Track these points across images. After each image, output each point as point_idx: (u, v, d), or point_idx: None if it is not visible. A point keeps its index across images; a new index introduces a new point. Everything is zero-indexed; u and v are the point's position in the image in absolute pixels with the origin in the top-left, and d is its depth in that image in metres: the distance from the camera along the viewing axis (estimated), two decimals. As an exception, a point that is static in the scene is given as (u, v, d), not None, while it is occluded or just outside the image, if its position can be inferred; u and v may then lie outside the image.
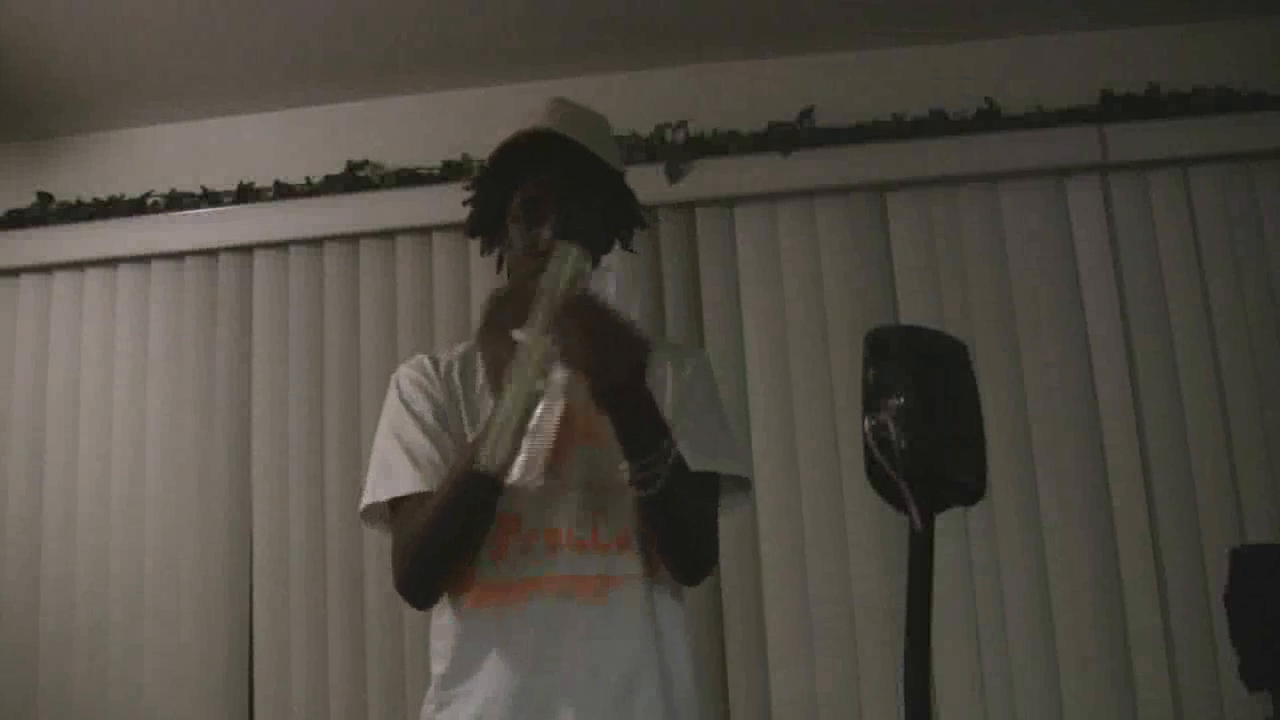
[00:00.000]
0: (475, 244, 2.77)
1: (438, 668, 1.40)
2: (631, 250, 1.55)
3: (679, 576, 1.42)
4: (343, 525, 2.71)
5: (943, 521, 0.94)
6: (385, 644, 2.65)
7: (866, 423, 0.99)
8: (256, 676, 2.70)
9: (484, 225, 1.52)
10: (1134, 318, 2.66)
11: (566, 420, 1.32)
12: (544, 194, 1.41)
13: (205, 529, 2.76)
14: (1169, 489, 2.57)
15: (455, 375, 1.47)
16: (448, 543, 1.34)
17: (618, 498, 1.35)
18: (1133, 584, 2.54)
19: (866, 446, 0.99)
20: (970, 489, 0.98)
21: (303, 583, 2.70)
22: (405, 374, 1.48)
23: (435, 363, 1.49)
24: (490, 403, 1.40)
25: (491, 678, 1.33)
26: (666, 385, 1.41)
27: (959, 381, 1.03)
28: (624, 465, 1.27)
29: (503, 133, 1.43)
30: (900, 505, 0.96)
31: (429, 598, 1.40)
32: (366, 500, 1.42)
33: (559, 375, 1.21)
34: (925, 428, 0.96)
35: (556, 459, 1.29)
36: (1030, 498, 2.59)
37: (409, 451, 1.39)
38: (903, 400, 0.97)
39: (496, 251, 1.54)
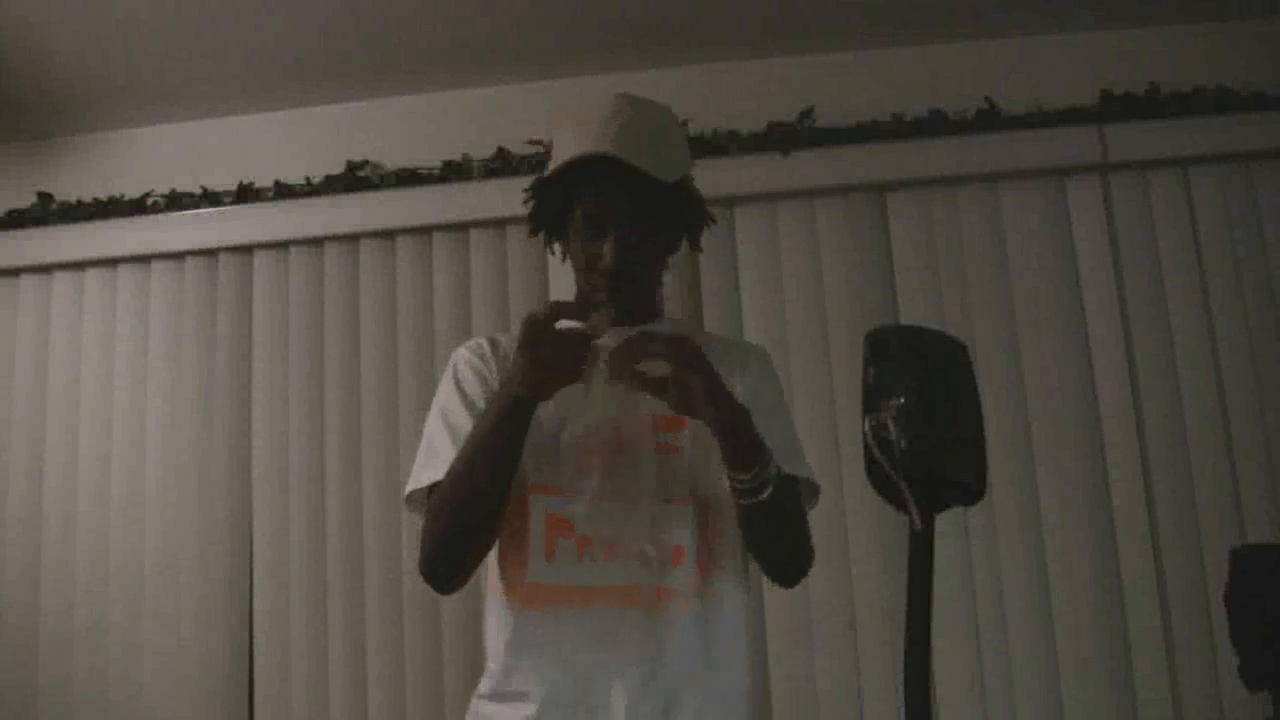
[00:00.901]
0: (475, 243, 2.83)
1: (492, 663, 1.39)
2: (699, 249, 1.55)
3: (779, 580, 1.42)
4: (343, 525, 2.71)
5: (943, 521, 0.94)
6: (385, 644, 2.65)
7: (866, 423, 0.99)
8: (256, 676, 2.70)
9: (545, 226, 1.52)
10: (1134, 318, 2.66)
11: (629, 426, 1.37)
12: (602, 213, 1.40)
13: (205, 529, 2.76)
14: (1169, 489, 2.57)
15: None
16: (476, 492, 1.32)
17: (678, 509, 1.37)
18: (1133, 584, 2.54)
19: (866, 446, 0.98)
20: (970, 489, 0.98)
21: (303, 583, 2.70)
22: (463, 356, 1.48)
23: (494, 344, 1.49)
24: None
25: (544, 682, 1.33)
26: (734, 387, 1.38)
27: (959, 381, 1.03)
28: (731, 476, 1.27)
29: (562, 135, 1.43)
30: (900, 505, 0.96)
31: (453, 572, 1.38)
32: (411, 486, 1.41)
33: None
34: (925, 428, 0.96)
35: (610, 467, 1.34)
36: (1030, 498, 2.59)
37: (454, 435, 1.38)
38: (903, 400, 0.97)
39: (559, 246, 1.55)
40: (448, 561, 1.37)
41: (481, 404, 1.39)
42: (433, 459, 1.38)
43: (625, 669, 1.31)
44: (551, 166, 1.43)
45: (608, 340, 1.24)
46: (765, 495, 1.26)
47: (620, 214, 1.40)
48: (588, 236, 1.42)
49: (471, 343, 1.51)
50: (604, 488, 1.37)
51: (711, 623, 1.37)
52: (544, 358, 1.23)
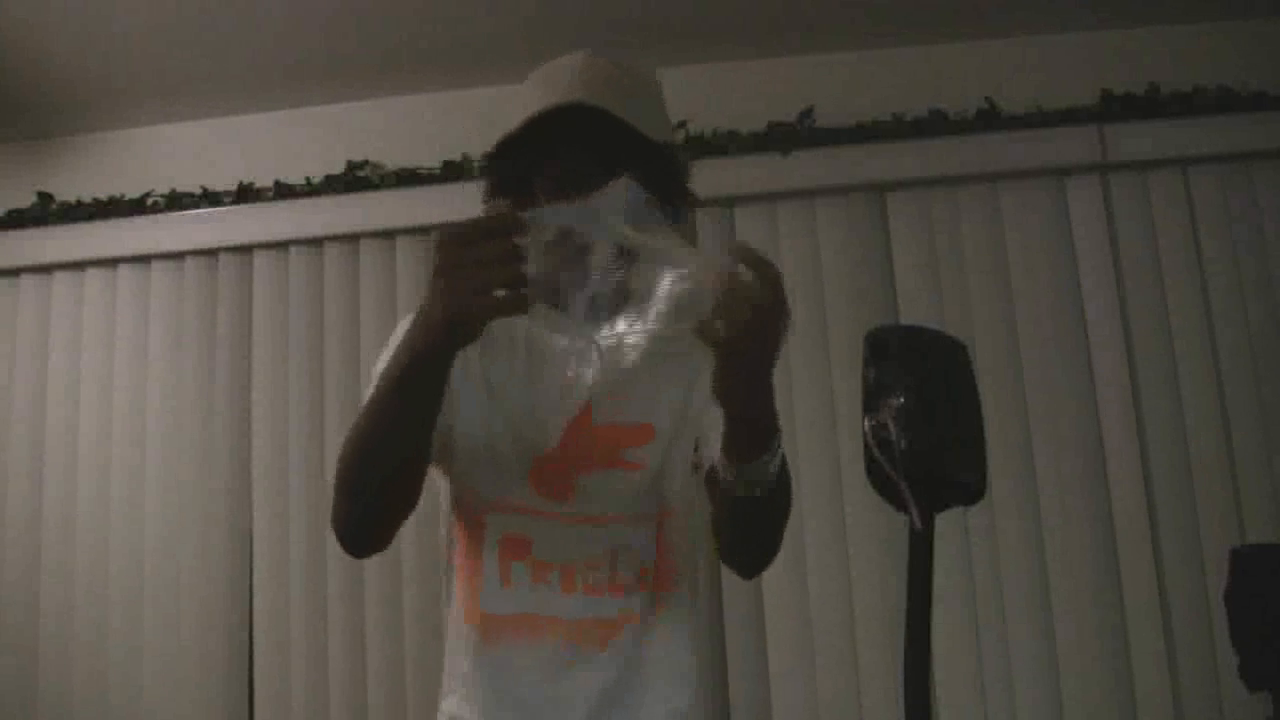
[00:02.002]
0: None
1: (453, 682, 1.31)
2: (682, 223, 1.29)
3: (743, 571, 1.31)
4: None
5: (943, 521, 0.94)
6: (385, 644, 2.65)
7: (866, 423, 0.99)
8: (256, 676, 2.70)
9: (507, 194, 1.30)
10: (1134, 318, 2.66)
11: (586, 440, 1.23)
12: (570, 177, 1.20)
13: (205, 529, 2.76)
14: (1169, 489, 2.57)
15: None
16: (373, 459, 1.15)
17: (642, 529, 1.27)
18: (1133, 584, 2.54)
19: (866, 446, 0.98)
20: (970, 489, 0.98)
21: (303, 583, 2.70)
22: (403, 324, 1.30)
23: None
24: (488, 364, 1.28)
25: (500, 714, 1.26)
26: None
27: (959, 381, 1.03)
28: (727, 465, 1.08)
29: (526, 94, 1.25)
30: (900, 505, 0.96)
31: (360, 540, 1.22)
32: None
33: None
34: (925, 428, 0.96)
35: (570, 485, 1.22)
36: (1030, 498, 2.59)
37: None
38: (903, 400, 0.97)
39: None
40: (351, 528, 1.21)
41: None
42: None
43: (575, 707, 1.24)
44: (513, 125, 1.23)
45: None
46: (763, 490, 1.08)
47: (594, 173, 1.16)
48: (556, 199, 1.19)
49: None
50: (564, 506, 1.25)
51: (664, 645, 1.29)
52: (461, 283, 0.98)
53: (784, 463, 1.11)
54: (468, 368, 1.28)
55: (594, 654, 1.26)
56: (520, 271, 0.97)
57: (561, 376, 1.26)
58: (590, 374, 1.27)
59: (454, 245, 1.01)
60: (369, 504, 1.19)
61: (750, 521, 1.19)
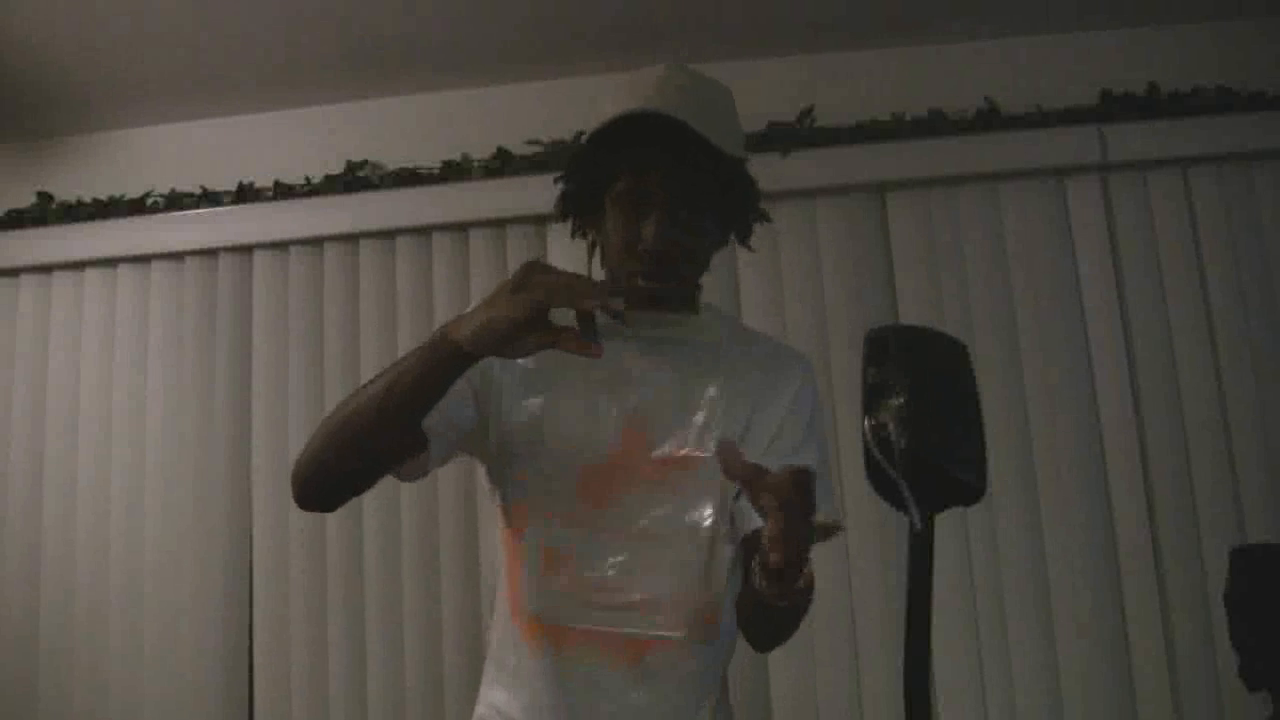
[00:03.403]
0: (475, 243, 2.82)
1: (497, 675, 1.34)
2: (750, 248, 1.36)
3: (758, 648, 1.35)
4: (342, 525, 2.71)
5: (943, 521, 0.94)
6: (385, 644, 2.65)
7: (866, 423, 0.99)
8: (256, 676, 2.70)
9: (578, 206, 1.31)
10: (1134, 318, 2.65)
11: (637, 456, 1.25)
12: (649, 187, 1.22)
13: (205, 529, 2.76)
14: (1169, 489, 2.57)
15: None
16: (368, 425, 1.16)
17: (675, 550, 1.27)
18: (1133, 584, 2.54)
19: (866, 446, 0.98)
20: (971, 488, 0.98)
21: (303, 583, 2.70)
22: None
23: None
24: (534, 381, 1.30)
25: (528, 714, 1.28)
26: (777, 403, 1.30)
27: (959, 381, 1.03)
28: (760, 572, 1.06)
29: (609, 102, 1.23)
30: (900, 505, 0.95)
31: (319, 496, 1.25)
32: None
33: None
34: (925, 428, 0.96)
35: (618, 498, 1.24)
36: (1030, 498, 2.59)
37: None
38: (903, 400, 0.97)
39: (586, 234, 1.35)
40: (317, 483, 1.24)
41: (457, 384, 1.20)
42: None
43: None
44: (591, 132, 1.24)
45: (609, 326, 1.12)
46: (794, 600, 1.06)
47: (669, 186, 1.22)
48: (627, 214, 1.24)
49: None
50: (605, 523, 1.26)
51: (697, 665, 1.30)
52: (522, 309, 1.06)
53: (811, 574, 1.09)
54: (528, 377, 1.30)
55: (625, 674, 1.26)
56: (567, 331, 1.09)
57: (622, 392, 1.29)
58: (650, 393, 1.29)
59: (536, 271, 1.08)
60: (338, 471, 1.22)
61: (774, 617, 1.22)
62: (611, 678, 1.26)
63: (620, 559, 1.26)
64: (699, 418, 1.30)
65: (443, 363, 1.12)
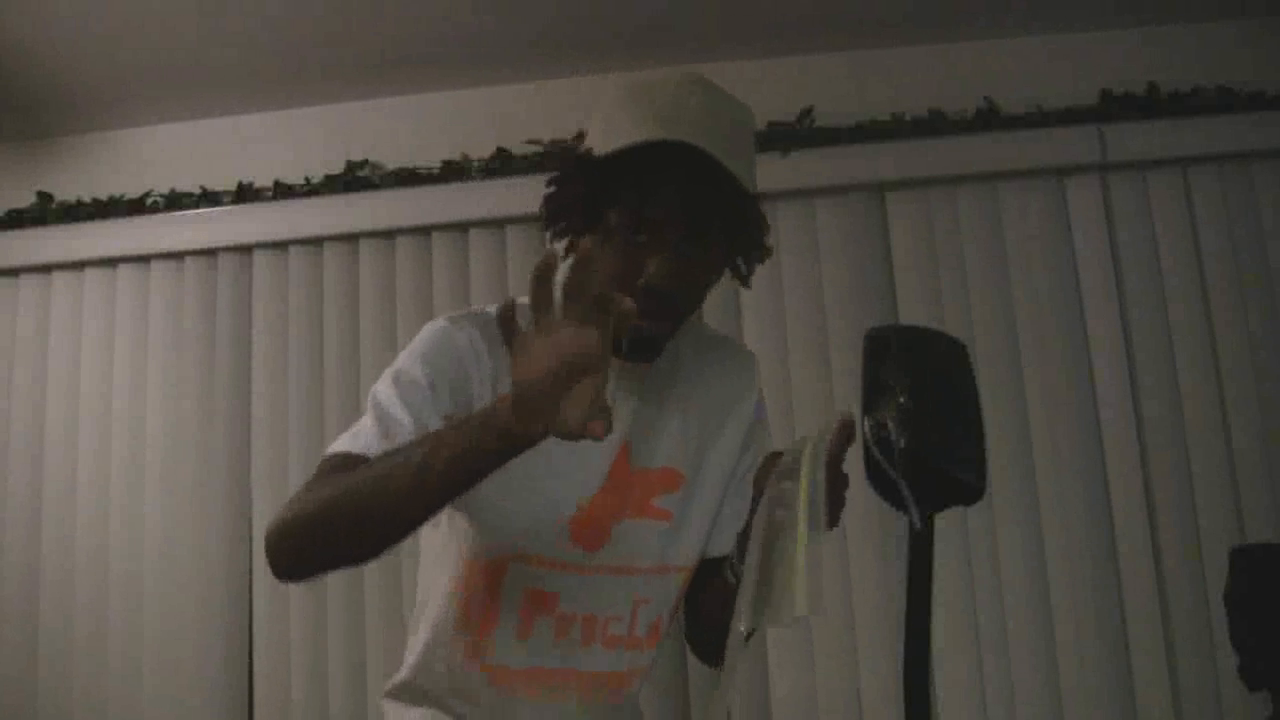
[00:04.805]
0: (475, 243, 2.82)
1: (421, 683, 1.26)
2: (747, 286, 1.30)
3: (708, 660, 1.31)
4: (342, 525, 2.71)
5: (943, 521, 0.94)
6: (385, 643, 2.65)
7: (866, 423, 0.99)
8: (256, 676, 2.70)
9: (570, 216, 1.20)
10: (1134, 318, 2.65)
11: (623, 485, 1.19)
12: (661, 218, 1.12)
13: (205, 528, 2.76)
14: (1169, 489, 2.57)
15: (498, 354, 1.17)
16: (389, 517, 1.03)
17: (669, 579, 1.24)
18: (1133, 584, 2.54)
19: (866, 446, 0.98)
20: (970, 488, 0.98)
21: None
22: (430, 328, 1.21)
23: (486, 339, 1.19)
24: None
25: None
26: (741, 409, 1.26)
27: (959, 381, 1.03)
28: (736, 565, 1.05)
29: (624, 109, 1.13)
30: (900, 505, 0.95)
31: (303, 575, 1.16)
32: (342, 447, 1.16)
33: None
34: (925, 428, 0.96)
35: (606, 532, 1.17)
36: (1030, 498, 2.59)
37: (410, 409, 1.13)
38: (903, 400, 0.97)
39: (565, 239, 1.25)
40: (311, 561, 1.13)
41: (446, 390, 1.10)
42: (387, 426, 1.12)
43: None
44: (604, 145, 1.12)
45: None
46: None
47: (683, 221, 1.12)
48: (629, 243, 1.13)
49: (450, 321, 1.20)
50: (595, 559, 1.20)
51: (641, 699, 1.33)
52: (585, 374, 0.89)
53: None
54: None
55: (603, 709, 1.24)
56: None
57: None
58: (628, 410, 1.22)
59: (596, 306, 0.89)
60: (338, 558, 1.11)
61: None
62: (599, 714, 1.25)
63: (607, 593, 1.22)
64: (675, 434, 1.26)
65: (501, 452, 0.97)
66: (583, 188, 1.16)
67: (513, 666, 1.21)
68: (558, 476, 1.17)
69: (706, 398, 1.30)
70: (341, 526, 1.06)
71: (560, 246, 1.16)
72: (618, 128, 1.12)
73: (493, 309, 1.08)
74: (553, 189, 1.21)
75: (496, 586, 1.20)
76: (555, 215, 1.20)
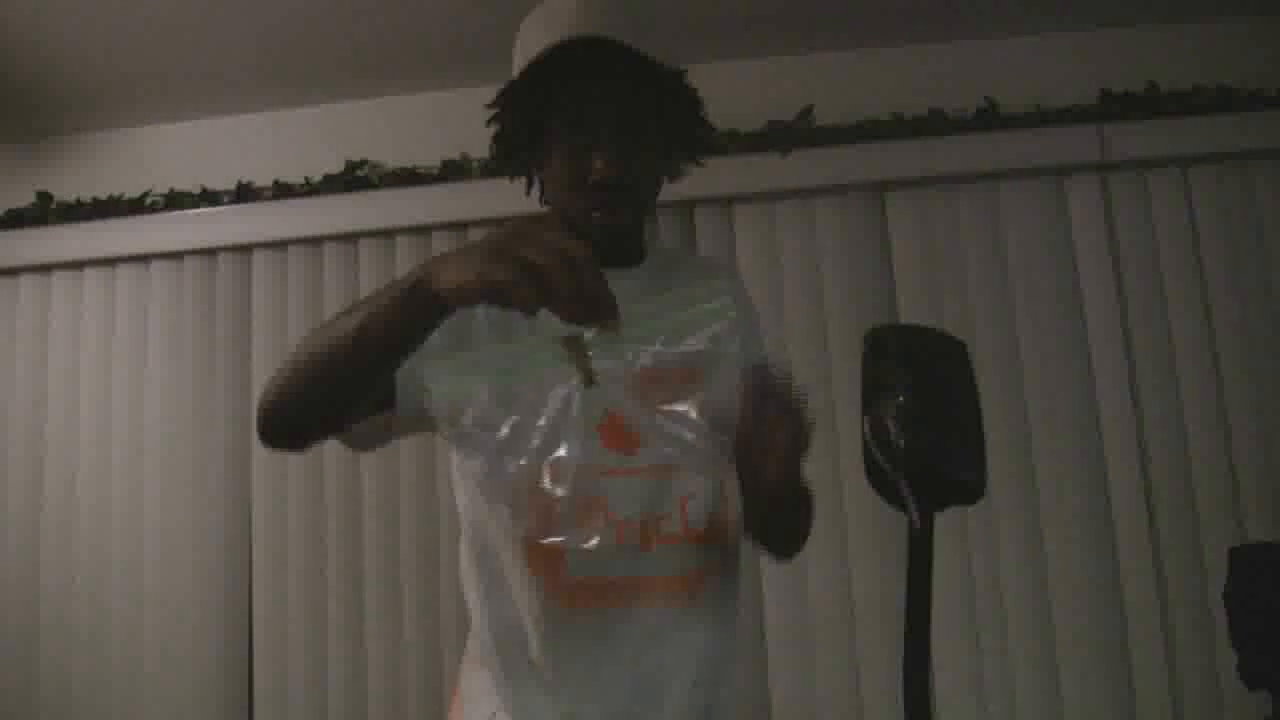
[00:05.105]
0: (473, 236, 2.81)
1: (514, 663, 1.22)
2: (701, 164, 1.30)
3: (780, 554, 1.28)
4: (341, 524, 2.71)
5: (942, 521, 0.94)
6: (384, 643, 2.65)
7: (866, 422, 0.99)
8: (256, 676, 2.70)
9: (516, 147, 1.25)
10: (1133, 317, 2.66)
11: (645, 385, 1.16)
12: (590, 116, 1.17)
13: (204, 528, 2.76)
14: (1169, 489, 2.57)
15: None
16: (325, 373, 1.04)
17: (702, 477, 1.22)
18: (1132, 584, 2.54)
19: (866, 446, 0.98)
20: (970, 488, 0.98)
21: (302, 582, 2.70)
22: None
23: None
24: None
25: (584, 690, 1.19)
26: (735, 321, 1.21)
27: (959, 381, 1.03)
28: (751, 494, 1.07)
29: (528, 35, 1.19)
30: (899, 505, 0.95)
31: (292, 422, 1.12)
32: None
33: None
34: (925, 427, 0.96)
35: (636, 435, 1.15)
36: (1030, 498, 2.59)
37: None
38: (902, 400, 0.96)
39: (531, 176, 1.30)
40: (282, 417, 1.11)
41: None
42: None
43: (672, 672, 1.20)
44: (520, 68, 1.17)
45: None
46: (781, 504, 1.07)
47: (613, 111, 1.16)
48: (571, 148, 1.18)
49: None
50: (633, 459, 1.19)
51: (735, 598, 1.28)
52: (516, 259, 0.88)
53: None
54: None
55: (686, 612, 1.21)
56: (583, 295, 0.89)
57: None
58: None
59: (540, 228, 0.91)
60: (313, 396, 1.08)
61: (773, 518, 1.17)
62: (680, 620, 1.21)
63: (654, 494, 1.20)
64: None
65: (420, 312, 0.96)
66: (515, 116, 1.21)
67: (589, 576, 1.18)
68: (575, 392, 1.17)
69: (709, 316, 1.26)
70: (299, 376, 1.07)
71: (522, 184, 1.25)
72: (528, 50, 1.17)
73: None
74: (493, 130, 1.25)
75: (551, 499, 1.17)
76: (504, 154, 1.25)
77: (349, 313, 1.02)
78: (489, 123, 1.25)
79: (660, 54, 1.17)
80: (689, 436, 1.20)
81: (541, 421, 1.16)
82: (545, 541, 1.17)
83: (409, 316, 0.97)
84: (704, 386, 1.19)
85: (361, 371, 1.03)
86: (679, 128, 1.26)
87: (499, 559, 1.24)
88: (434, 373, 1.16)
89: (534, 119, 1.21)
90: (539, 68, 1.15)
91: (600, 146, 1.17)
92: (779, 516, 1.16)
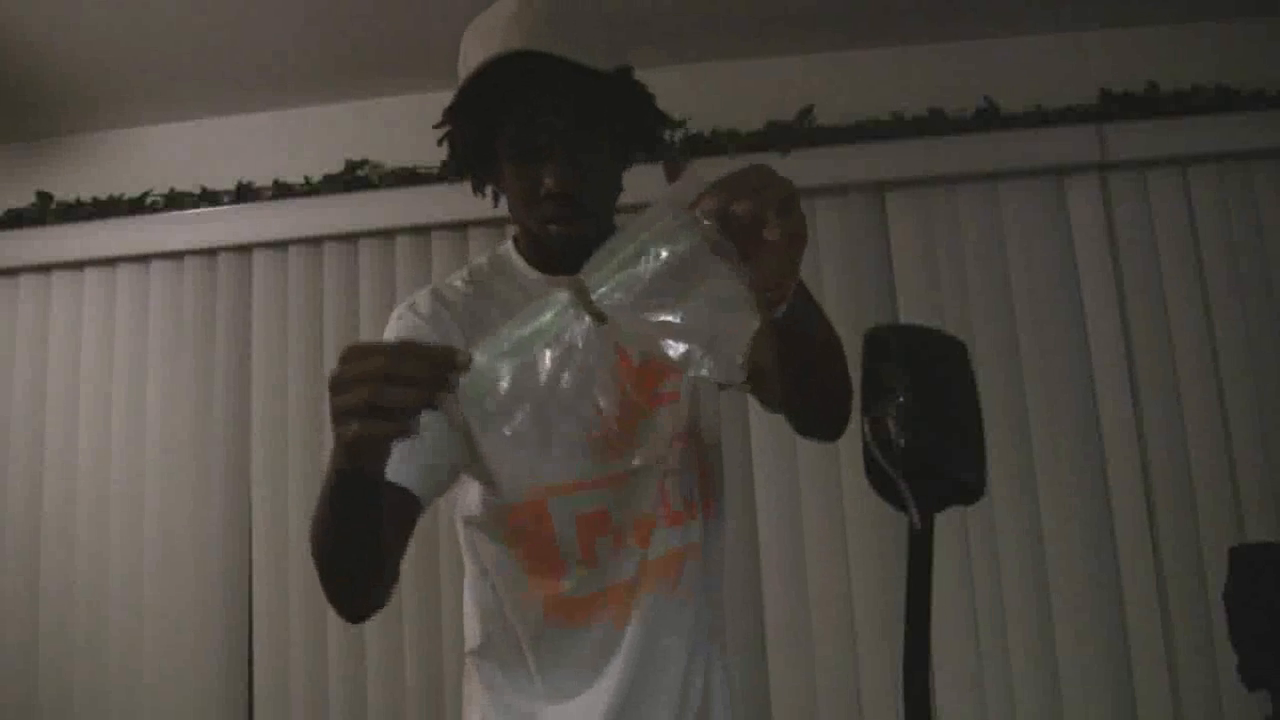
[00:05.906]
0: (474, 242, 2.81)
1: (516, 679, 1.24)
2: (665, 159, 1.22)
3: (827, 425, 1.18)
4: (342, 525, 2.71)
5: (942, 521, 0.94)
6: (384, 643, 2.65)
7: (866, 422, 0.99)
8: (256, 676, 2.70)
9: (470, 162, 1.24)
10: (1133, 317, 2.65)
11: (633, 385, 1.19)
12: (536, 130, 1.14)
13: (204, 528, 2.76)
14: (1169, 489, 2.57)
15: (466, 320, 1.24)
16: (335, 556, 1.02)
17: (680, 455, 1.23)
18: (1132, 584, 2.54)
19: (866, 446, 0.98)
20: (970, 488, 0.98)
21: (302, 582, 2.70)
22: (394, 328, 1.22)
23: (438, 297, 1.27)
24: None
25: (591, 696, 1.20)
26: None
27: (959, 381, 1.03)
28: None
29: (467, 51, 1.18)
30: (900, 504, 0.95)
31: (353, 604, 1.09)
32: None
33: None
34: (925, 427, 0.96)
35: (627, 439, 1.15)
36: (1030, 498, 2.59)
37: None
38: (902, 400, 0.97)
39: (490, 189, 1.29)
40: (339, 602, 1.07)
41: None
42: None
43: (671, 659, 1.21)
44: (460, 86, 1.16)
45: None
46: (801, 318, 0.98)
47: (558, 125, 1.14)
48: (521, 162, 1.16)
49: (405, 304, 1.25)
50: (623, 462, 1.19)
51: (713, 560, 1.29)
52: (359, 406, 0.80)
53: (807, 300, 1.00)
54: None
55: (668, 593, 1.22)
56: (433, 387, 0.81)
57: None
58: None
59: (355, 357, 0.82)
60: (347, 584, 1.06)
61: (796, 349, 1.04)
62: (676, 611, 1.23)
63: (643, 489, 1.21)
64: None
65: (354, 489, 0.93)
66: (463, 133, 1.19)
67: (582, 595, 1.20)
68: (569, 411, 1.16)
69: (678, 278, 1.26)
70: (336, 584, 1.05)
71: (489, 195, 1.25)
72: (468, 63, 1.16)
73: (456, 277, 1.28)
74: (446, 149, 1.23)
75: (547, 526, 1.19)
76: (459, 171, 1.24)
77: (321, 508, 0.98)
78: (440, 141, 1.24)
79: (604, 56, 1.14)
80: (670, 429, 1.20)
81: (565, 376, 1.08)
82: (548, 579, 1.20)
83: (351, 496, 0.93)
84: (680, 280, 1.10)
85: (364, 540, 1.00)
86: (632, 128, 1.23)
87: (499, 575, 1.26)
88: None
89: (482, 133, 1.19)
90: (480, 81, 1.14)
91: (549, 162, 1.15)
92: (797, 354, 1.04)
